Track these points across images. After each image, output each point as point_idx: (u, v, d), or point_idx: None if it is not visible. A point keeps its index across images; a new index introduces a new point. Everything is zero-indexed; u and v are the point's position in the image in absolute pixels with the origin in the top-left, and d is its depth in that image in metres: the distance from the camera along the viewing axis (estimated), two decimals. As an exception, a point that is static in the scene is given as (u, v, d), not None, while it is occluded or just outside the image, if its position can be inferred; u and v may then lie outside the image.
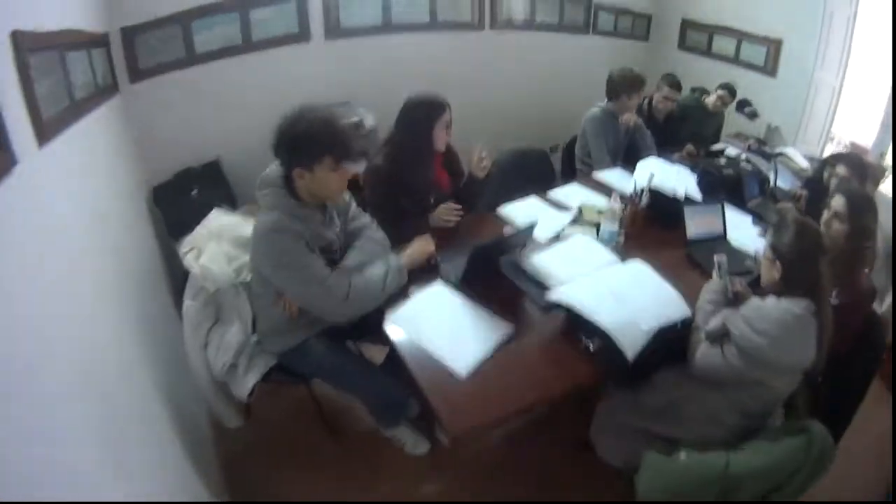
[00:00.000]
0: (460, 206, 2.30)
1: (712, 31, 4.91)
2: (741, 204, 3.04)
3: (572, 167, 3.40)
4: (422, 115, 2.17)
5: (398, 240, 2.00)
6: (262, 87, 3.12)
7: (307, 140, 1.56)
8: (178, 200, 2.92)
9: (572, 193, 2.77)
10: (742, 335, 1.56)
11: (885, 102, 4.24)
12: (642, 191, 2.45)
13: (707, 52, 5.00)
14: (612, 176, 3.05)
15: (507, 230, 2.28)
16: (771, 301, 1.61)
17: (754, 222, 2.89)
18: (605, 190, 2.83)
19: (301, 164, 1.59)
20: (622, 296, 1.74)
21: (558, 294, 1.70)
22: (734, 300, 1.83)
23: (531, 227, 2.07)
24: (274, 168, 1.71)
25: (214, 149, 3.17)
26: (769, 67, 4.61)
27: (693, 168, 3.22)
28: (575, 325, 1.70)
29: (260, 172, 1.75)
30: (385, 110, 2.93)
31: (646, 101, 3.63)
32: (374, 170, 2.14)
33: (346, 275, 1.71)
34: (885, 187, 3.69)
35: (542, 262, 2.02)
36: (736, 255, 2.42)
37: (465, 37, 3.81)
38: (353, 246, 1.84)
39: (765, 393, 1.65)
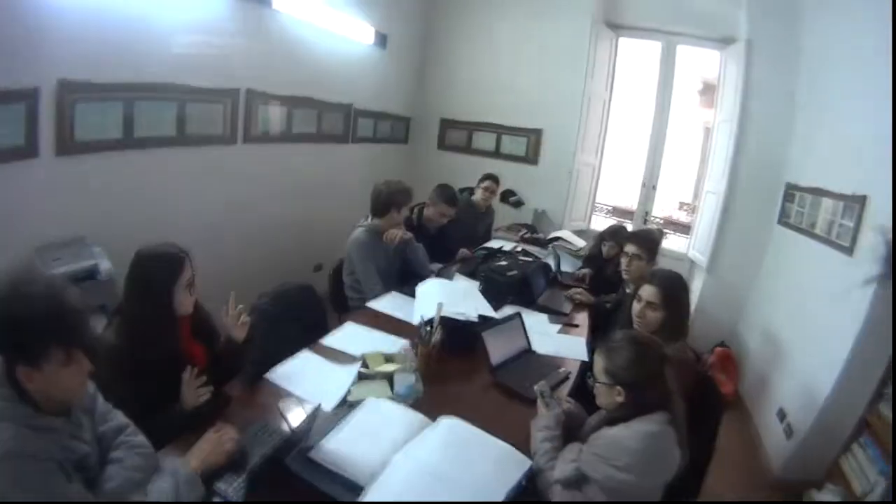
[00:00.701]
0: (205, 381, 1.72)
1: (472, 128, 5.12)
2: (531, 302, 2.89)
3: (341, 294, 3.00)
4: (156, 276, 1.65)
5: (154, 438, 1.44)
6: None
7: (24, 330, 1.10)
8: None
9: (350, 337, 2.33)
10: (605, 477, 1.42)
11: (642, 168, 4.87)
12: (432, 326, 2.11)
13: (468, 149, 5.19)
14: (389, 304, 2.69)
15: (283, 406, 1.77)
16: (622, 430, 1.48)
17: (550, 320, 2.78)
18: (384, 323, 2.46)
19: (23, 362, 1.12)
20: (450, 476, 1.43)
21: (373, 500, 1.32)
22: (570, 425, 1.74)
23: (316, 411, 1.59)
24: None
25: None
26: (531, 156, 4.89)
27: (471, 275, 3.06)
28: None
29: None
30: (128, 241, 2.38)
31: (414, 212, 3.37)
32: (106, 350, 1.51)
33: None
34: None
35: (338, 446, 1.55)
36: (547, 365, 2.28)
37: (217, 151, 3.31)
38: (112, 458, 1.32)
39: None
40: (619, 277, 3.47)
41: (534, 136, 4.87)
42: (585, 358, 2.45)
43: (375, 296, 2.75)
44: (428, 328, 2.09)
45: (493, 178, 4.02)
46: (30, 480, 1.07)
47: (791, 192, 3.61)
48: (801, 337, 3.13)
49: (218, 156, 3.32)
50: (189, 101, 3.05)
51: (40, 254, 2.33)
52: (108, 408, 1.43)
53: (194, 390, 1.66)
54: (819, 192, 3.15)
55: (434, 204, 3.33)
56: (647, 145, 4.91)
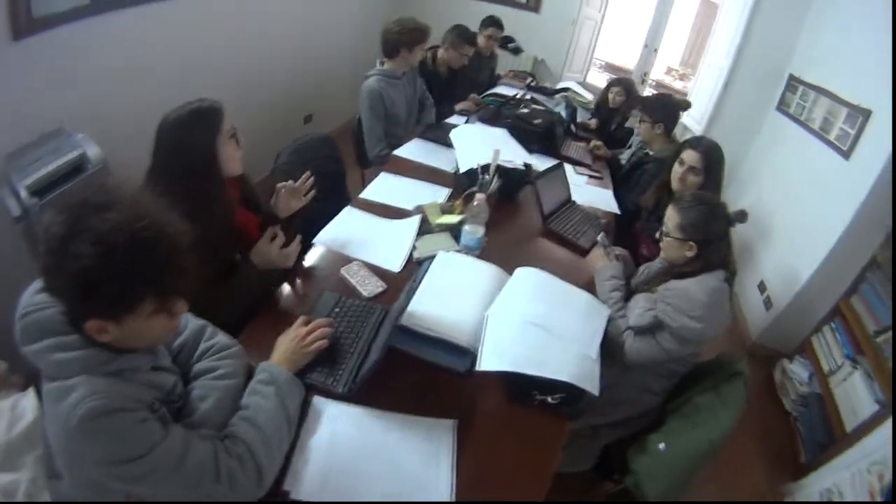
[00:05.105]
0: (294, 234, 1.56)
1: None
2: (554, 152, 2.78)
3: (363, 147, 2.76)
4: (193, 133, 1.34)
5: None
6: None
7: (114, 283, 0.79)
8: None
9: (389, 188, 2.15)
10: (680, 325, 1.53)
11: (644, 31, 4.65)
12: (493, 174, 2.00)
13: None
14: (416, 151, 2.52)
15: (347, 273, 1.60)
16: (692, 284, 1.57)
17: (575, 171, 2.73)
18: (418, 171, 2.33)
19: (98, 317, 0.82)
20: (550, 327, 1.41)
21: (491, 363, 1.26)
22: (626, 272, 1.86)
23: (418, 276, 1.41)
24: (39, 300, 0.87)
25: None
26: (532, 4, 4.53)
27: (487, 122, 2.90)
28: (519, 385, 1.31)
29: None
30: (114, 122, 2.26)
31: (429, 55, 3.14)
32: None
33: (241, 440, 0.97)
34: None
35: (427, 308, 1.41)
36: (588, 215, 2.29)
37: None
38: (198, 371, 1.08)
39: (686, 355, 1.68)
40: (623, 133, 3.44)
41: (537, -17, 4.48)
42: (617, 210, 2.47)
43: (377, 154, 2.61)
44: (485, 176, 2.00)
45: (497, 25, 3.67)
46: (125, 438, 0.83)
47: (794, 83, 3.53)
48: (787, 221, 3.20)
49: (196, 4, 2.75)
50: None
51: (12, 161, 1.87)
52: None
53: (278, 249, 1.47)
54: (822, 91, 3.12)
55: (453, 46, 3.07)
56: (653, 6, 4.64)
